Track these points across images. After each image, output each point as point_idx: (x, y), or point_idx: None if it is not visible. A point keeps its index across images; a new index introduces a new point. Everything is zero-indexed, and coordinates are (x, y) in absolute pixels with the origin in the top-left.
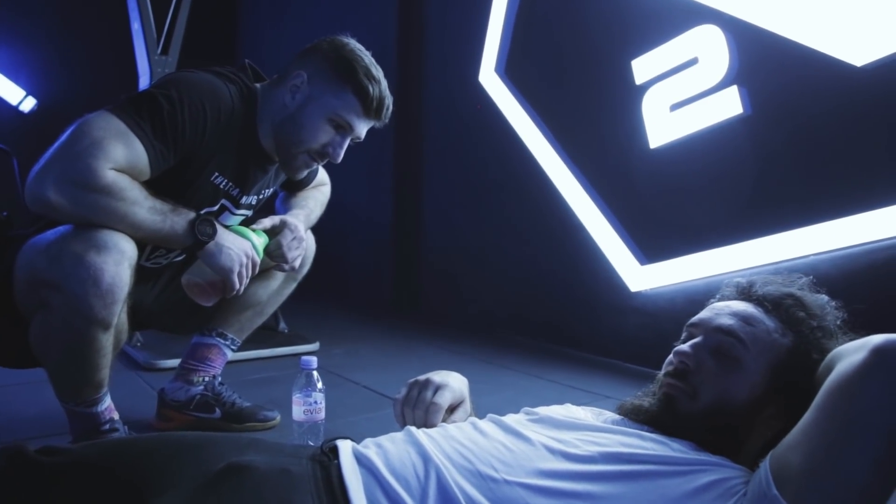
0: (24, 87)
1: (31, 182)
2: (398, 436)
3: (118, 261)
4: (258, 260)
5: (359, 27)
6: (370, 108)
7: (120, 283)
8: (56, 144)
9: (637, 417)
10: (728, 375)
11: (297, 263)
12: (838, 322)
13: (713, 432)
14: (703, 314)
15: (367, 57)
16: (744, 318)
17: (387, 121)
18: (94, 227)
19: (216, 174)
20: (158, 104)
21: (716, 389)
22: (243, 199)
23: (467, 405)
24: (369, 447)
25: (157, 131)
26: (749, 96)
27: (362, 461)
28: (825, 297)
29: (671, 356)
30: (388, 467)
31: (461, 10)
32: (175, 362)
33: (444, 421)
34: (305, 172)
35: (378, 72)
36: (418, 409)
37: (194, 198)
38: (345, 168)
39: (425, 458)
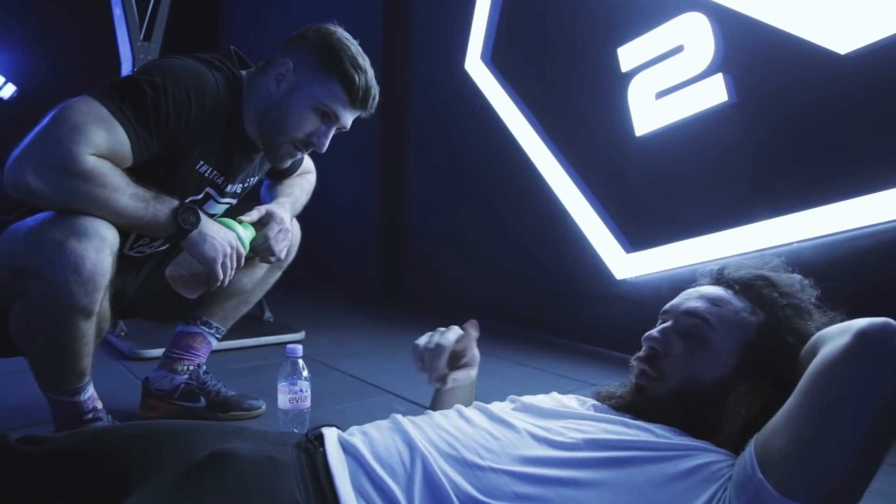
0: (3, 74)
1: (10, 167)
2: (383, 423)
3: (99, 248)
4: (243, 252)
5: (344, 14)
6: (356, 97)
7: (101, 271)
8: (36, 129)
9: (611, 404)
10: (696, 356)
11: (283, 255)
12: (812, 300)
13: (689, 412)
14: (674, 300)
15: (353, 46)
16: (710, 300)
17: (373, 111)
18: (74, 213)
19: (201, 162)
20: (142, 90)
21: (684, 370)
22: (228, 188)
23: (473, 372)
24: (355, 435)
25: (140, 117)
26: (734, 84)
27: (348, 449)
28: (797, 276)
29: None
30: (373, 455)
31: None
32: (159, 351)
33: (448, 372)
34: (290, 162)
35: (365, 61)
36: (427, 349)
37: (179, 186)
38: (330, 156)
39: (411, 446)
